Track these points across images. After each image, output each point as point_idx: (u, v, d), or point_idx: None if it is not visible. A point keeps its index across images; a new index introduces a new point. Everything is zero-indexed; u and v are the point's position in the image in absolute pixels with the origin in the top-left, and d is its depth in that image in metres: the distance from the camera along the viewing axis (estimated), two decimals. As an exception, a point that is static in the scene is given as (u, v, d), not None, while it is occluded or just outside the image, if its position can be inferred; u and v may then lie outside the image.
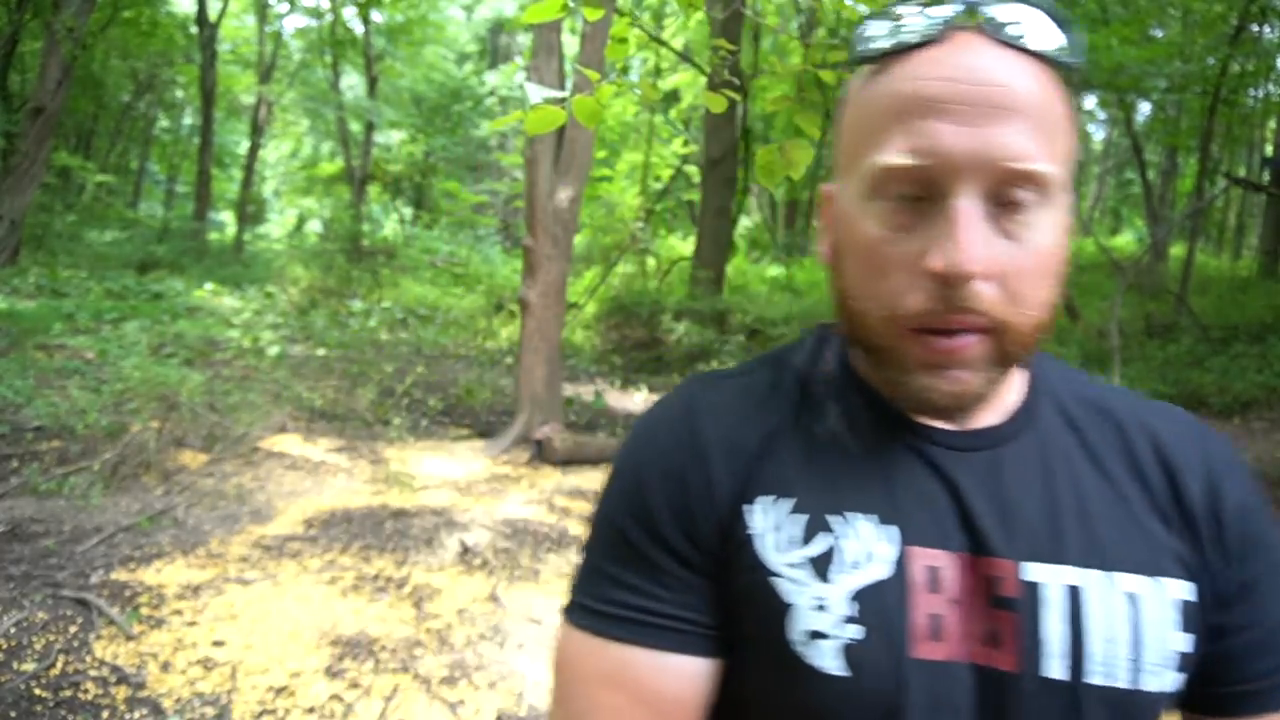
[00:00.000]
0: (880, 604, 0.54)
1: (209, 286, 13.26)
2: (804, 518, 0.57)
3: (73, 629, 2.92)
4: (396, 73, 22.43)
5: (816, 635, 0.54)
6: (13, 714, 2.41)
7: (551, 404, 6.41)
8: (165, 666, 2.73)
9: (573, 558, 4.12)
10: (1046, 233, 0.55)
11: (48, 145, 12.23)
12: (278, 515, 4.37)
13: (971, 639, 0.55)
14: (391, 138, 25.22)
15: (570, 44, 14.69)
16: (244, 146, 24.54)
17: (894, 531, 0.56)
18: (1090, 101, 17.20)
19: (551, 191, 6.39)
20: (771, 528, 0.57)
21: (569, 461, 5.96)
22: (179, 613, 3.12)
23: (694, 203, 18.17)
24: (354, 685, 2.72)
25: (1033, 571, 0.55)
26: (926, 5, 0.55)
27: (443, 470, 5.52)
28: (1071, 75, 0.57)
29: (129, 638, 2.89)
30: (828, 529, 0.56)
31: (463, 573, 3.80)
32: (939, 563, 0.55)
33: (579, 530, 4.57)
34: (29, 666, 2.65)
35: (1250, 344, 9.27)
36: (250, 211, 22.52)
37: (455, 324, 13.20)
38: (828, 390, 0.62)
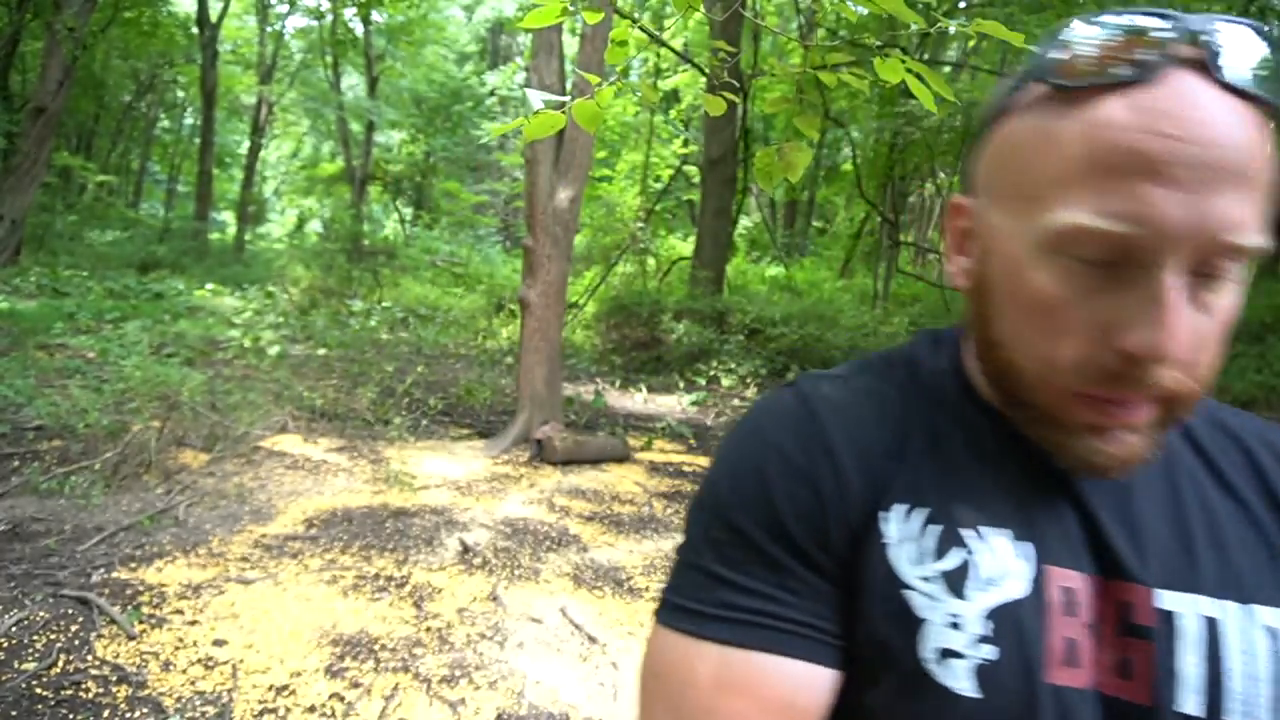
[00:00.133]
0: (1016, 624, 0.51)
1: (210, 286, 13.28)
2: (938, 529, 0.54)
3: (74, 628, 2.93)
4: (397, 73, 22.45)
5: (949, 654, 0.51)
6: (14, 713, 2.41)
7: (551, 404, 6.42)
8: (166, 665, 2.74)
9: (573, 557, 4.13)
10: (1233, 298, 0.52)
11: (49, 145, 12.25)
12: (278, 515, 4.38)
13: (1101, 668, 0.52)
14: (392, 138, 25.24)
15: (571, 44, 14.70)
16: (245, 146, 24.55)
17: (1029, 549, 0.53)
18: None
19: (551, 191, 6.40)
20: (905, 538, 0.54)
21: (569, 461, 5.96)
22: (180, 612, 3.13)
23: (694, 203, 18.18)
24: (354, 684, 2.72)
25: (1168, 600, 0.52)
26: (1133, 32, 0.47)
27: (443, 470, 5.53)
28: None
29: (130, 637, 2.89)
30: (961, 543, 0.53)
31: (463, 572, 3.80)
32: (1073, 584, 0.53)
33: (579, 529, 4.57)
34: (30, 665, 2.65)
35: (1250, 344, 9.27)
36: (251, 211, 22.53)
37: (455, 324, 13.22)
38: (951, 400, 0.59)
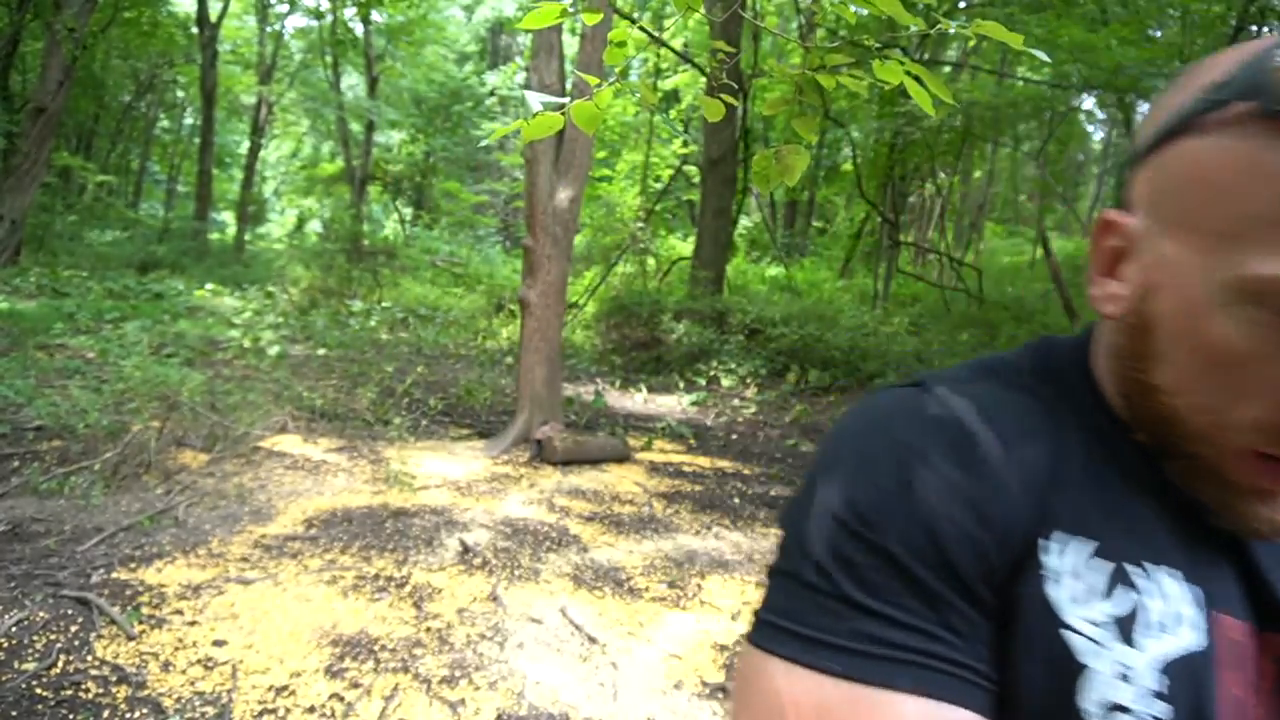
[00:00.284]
0: (1193, 680, 0.46)
1: (209, 286, 13.28)
2: (1107, 566, 0.48)
3: (73, 628, 2.93)
4: (397, 73, 22.46)
5: (1118, 709, 0.46)
6: (14, 713, 2.41)
7: (551, 404, 6.42)
8: (166, 666, 2.74)
9: (573, 557, 4.13)
10: None
11: (48, 145, 12.25)
12: (278, 515, 4.38)
13: None
14: (392, 138, 25.24)
15: (571, 44, 14.69)
16: (244, 147, 24.56)
17: (1199, 593, 0.48)
18: (1089, 102, 17.20)
19: (551, 191, 6.40)
20: (1068, 571, 0.48)
21: (569, 461, 5.96)
22: (180, 612, 3.13)
23: (694, 203, 18.18)
24: (354, 685, 2.72)
25: None
26: None
27: (443, 470, 5.53)
28: None
29: (130, 637, 2.89)
30: (1129, 582, 0.48)
31: (463, 573, 3.80)
32: (1240, 636, 0.48)
33: (579, 530, 4.57)
34: (30, 666, 2.66)
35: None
36: (251, 212, 22.54)
37: (455, 324, 13.22)
38: (1098, 423, 0.54)
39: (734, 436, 8.22)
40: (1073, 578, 0.48)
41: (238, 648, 2.89)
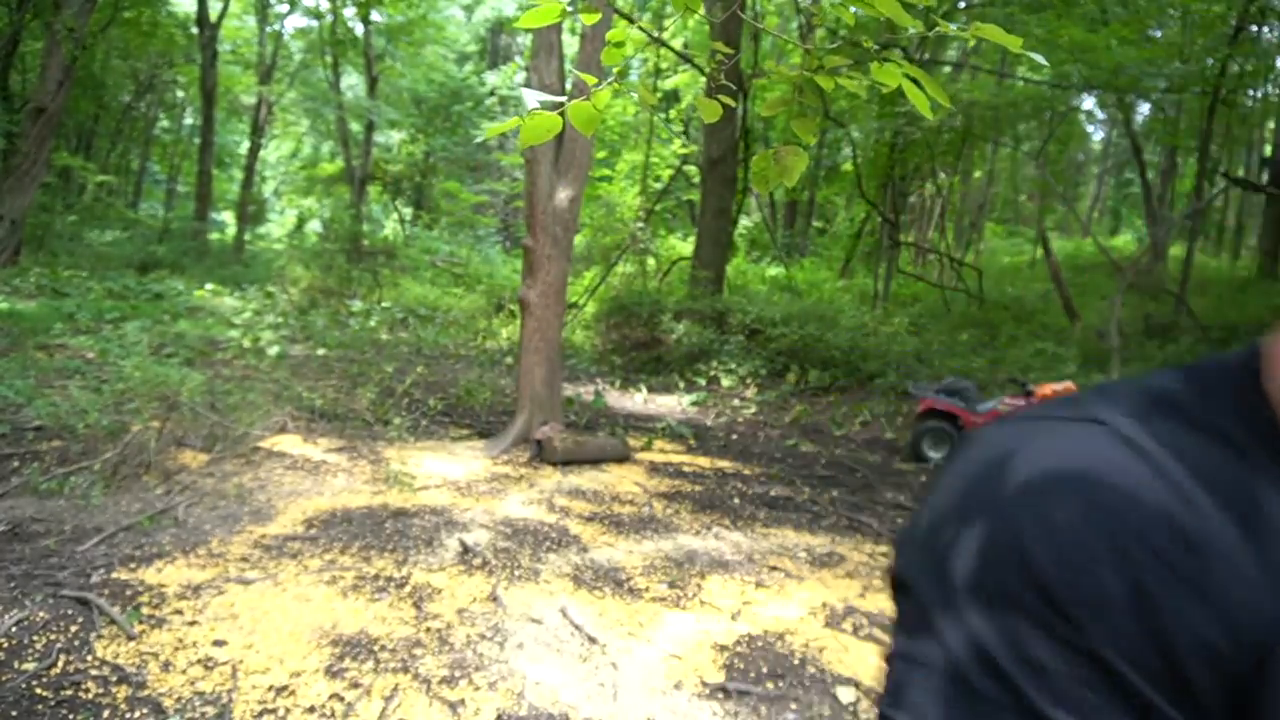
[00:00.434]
0: None
1: (209, 286, 13.28)
2: None
3: (73, 628, 2.93)
4: (397, 73, 22.46)
5: None
6: (14, 713, 2.41)
7: (551, 404, 6.42)
8: (166, 666, 2.74)
9: (573, 557, 4.13)
10: None
11: (48, 145, 12.25)
12: (278, 515, 4.38)
13: None
14: (391, 138, 25.24)
15: (571, 43, 14.68)
16: (244, 147, 24.56)
17: None
18: (1089, 102, 17.20)
19: (551, 191, 6.40)
20: None
21: (569, 461, 5.96)
22: (180, 612, 3.13)
23: (694, 203, 18.18)
24: (354, 685, 2.72)
25: None
26: None
27: (443, 470, 5.53)
28: None
29: (130, 637, 2.89)
30: None
31: (463, 573, 3.80)
32: None
33: (579, 530, 4.58)
34: (30, 666, 2.66)
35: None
36: (250, 212, 22.53)
37: (455, 324, 13.22)
38: None
39: (734, 436, 8.22)
40: None
41: (238, 648, 2.89)
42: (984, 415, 7.51)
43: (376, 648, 2.99)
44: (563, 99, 1.49)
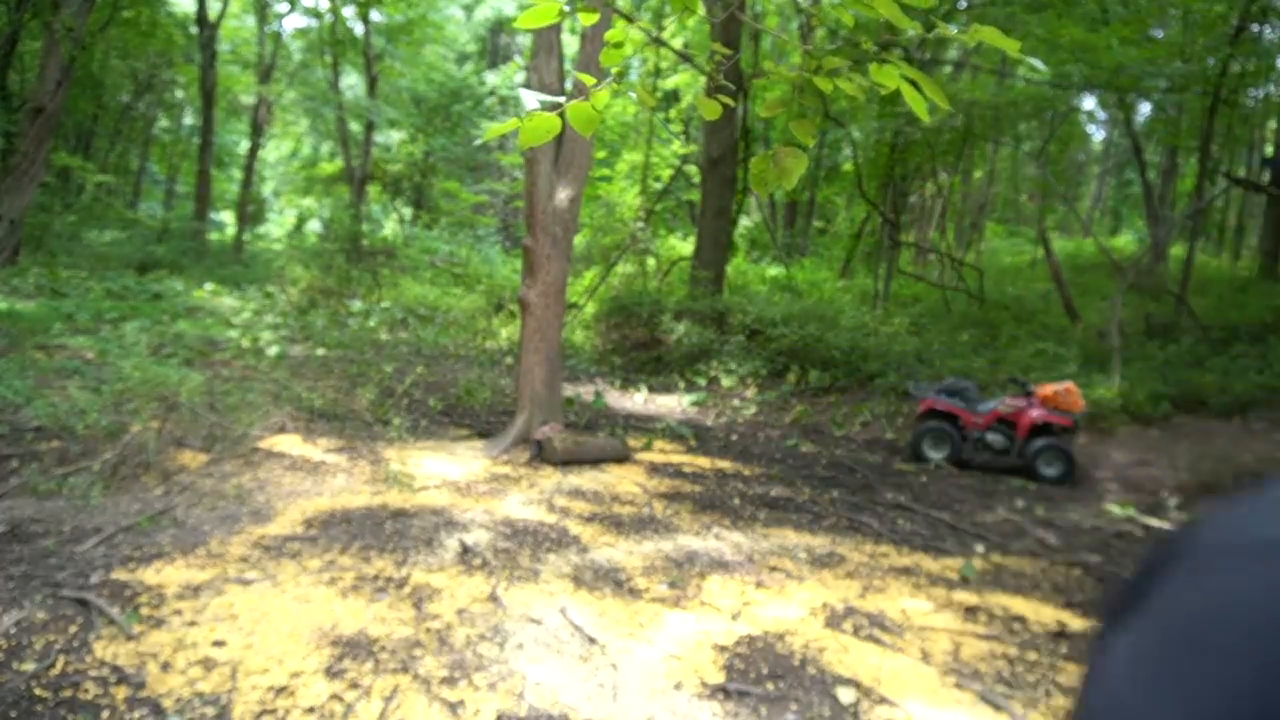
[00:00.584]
0: None
1: (209, 286, 13.28)
2: None
3: (73, 629, 2.92)
4: (396, 73, 22.45)
5: None
6: (13, 714, 2.41)
7: (551, 404, 6.42)
8: (165, 666, 2.74)
9: (573, 557, 4.12)
10: None
11: (47, 145, 12.24)
12: (277, 515, 4.38)
13: None
14: (391, 138, 25.24)
15: (571, 43, 14.68)
16: (244, 146, 24.56)
17: None
18: (1090, 102, 17.20)
19: (551, 192, 6.40)
20: None
21: (569, 461, 5.96)
22: (179, 613, 3.12)
23: (694, 203, 18.17)
24: (354, 685, 2.72)
25: None
26: None
27: (443, 470, 5.52)
28: None
29: (129, 638, 2.89)
30: None
31: (463, 573, 3.80)
32: None
33: (579, 530, 4.57)
34: (29, 666, 2.65)
35: (1250, 344, 9.27)
36: (250, 211, 22.54)
37: (455, 324, 13.21)
38: None
39: (734, 437, 8.22)
40: None
41: (237, 648, 2.89)
42: (984, 415, 7.50)
43: (376, 648, 2.99)
44: (562, 99, 1.48)
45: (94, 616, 3.01)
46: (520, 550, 4.15)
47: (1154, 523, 6.00)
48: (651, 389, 10.39)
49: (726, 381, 10.51)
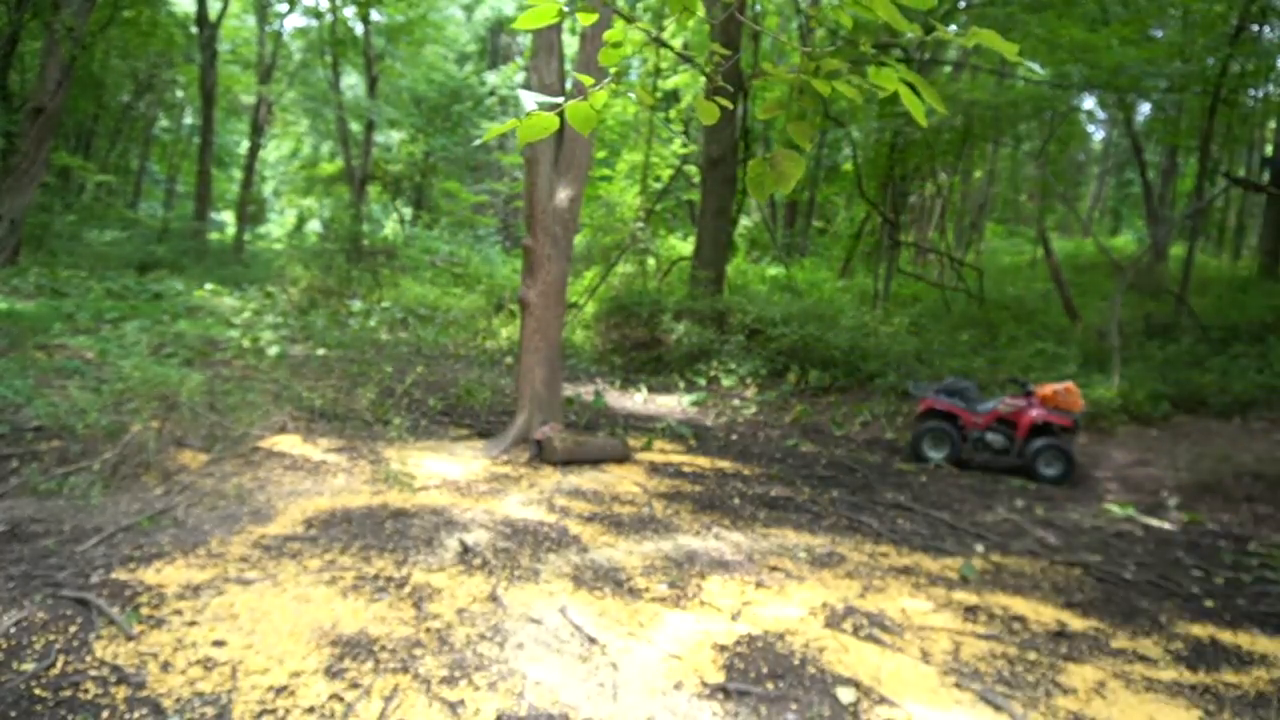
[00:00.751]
0: None
1: (209, 286, 13.28)
2: None
3: (73, 629, 2.93)
4: (396, 73, 22.45)
5: None
6: (13, 714, 2.41)
7: (551, 404, 6.42)
8: (165, 666, 2.74)
9: (573, 557, 4.12)
10: None
11: (48, 145, 12.24)
12: (278, 515, 4.38)
13: None
14: (391, 138, 25.24)
15: (571, 43, 14.68)
16: (244, 146, 24.56)
17: None
18: (1090, 102, 17.20)
19: (551, 192, 6.40)
20: None
21: (569, 461, 5.96)
22: (179, 612, 3.13)
23: (694, 203, 18.17)
24: (354, 685, 2.72)
25: None
26: None
27: (443, 470, 5.52)
28: None
29: (129, 637, 2.89)
30: None
31: (463, 573, 3.80)
32: None
33: (579, 530, 4.57)
34: (29, 666, 2.65)
35: (1250, 344, 9.28)
36: (250, 211, 22.54)
37: (455, 324, 13.22)
38: None
39: (734, 436, 8.22)
40: None
41: (237, 648, 2.89)
42: (984, 415, 7.51)
43: (376, 648, 2.99)
44: (560, 99, 1.49)
45: (94, 616, 3.02)
46: (520, 550, 4.15)
47: (1154, 523, 6.00)
48: (651, 389, 10.39)
49: (726, 381, 10.52)
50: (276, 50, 21.99)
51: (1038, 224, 15.79)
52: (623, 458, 6.26)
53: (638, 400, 9.82)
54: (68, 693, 2.54)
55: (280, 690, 2.65)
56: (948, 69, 15.44)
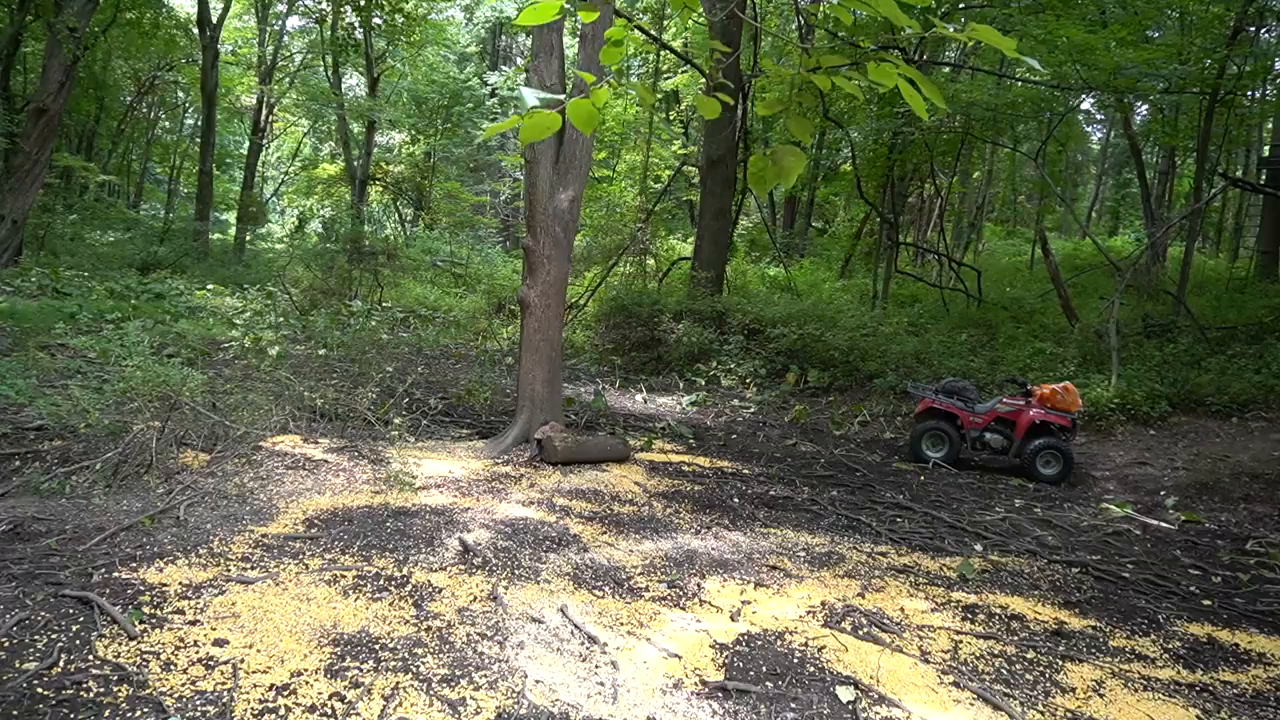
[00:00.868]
0: None
1: (210, 287, 13.30)
2: None
3: (75, 628, 2.94)
4: (397, 74, 22.47)
5: None
6: (15, 712, 2.42)
7: (551, 404, 6.43)
8: (167, 665, 2.75)
9: (573, 557, 4.14)
10: None
11: (50, 146, 12.27)
12: (279, 515, 4.39)
13: None
14: (392, 139, 25.27)
15: (572, 45, 14.69)
16: (245, 147, 24.58)
17: None
18: (1088, 102, 17.21)
19: (552, 192, 6.41)
20: None
21: (569, 461, 5.97)
22: (180, 611, 3.14)
23: (694, 203, 18.19)
24: (355, 684, 2.74)
25: None
26: None
27: (443, 470, 5.54)
28: None
29: (131, 637, 2.91)
30: None
31: (463, 572, 3.81)
32: None
33: (579, 530, 4.59)
34: (31, 665, 2.67)
35: (1248, 344, 9.29)
36: (252, 212, 22.55)
37: (455, 324, 13.23)
38: None
39: (734, 436, 8.24)
40: None
41: (239, 647, 2.90)
42: (983, 415, 7.52)
43: (377, 647, 3.00)
44: (562, 98, 1.50)
45: (96, 615, 3.03)
46: (520, 550, 4.17)
47: (1151, 522, 6.01)
48: (651, 389, 10.40)
49: (726, 381, 10.53)
50: (277, 51, 22.01)
51: (1036, 224, 15.80)
52: (623, 458, 6.27)
53: (638, 400, 9.83)
54: (70, 691, 2.55)
55: (281, 689, 2.67)
56: (946, 70, 15.45)
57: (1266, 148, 17.22)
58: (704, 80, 13.33)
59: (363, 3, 15.61)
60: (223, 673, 2.73)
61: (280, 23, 22.22)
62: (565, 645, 3.17)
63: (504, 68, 26.09)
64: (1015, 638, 3.60)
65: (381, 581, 3.61)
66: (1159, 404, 8.11)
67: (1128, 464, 7.47)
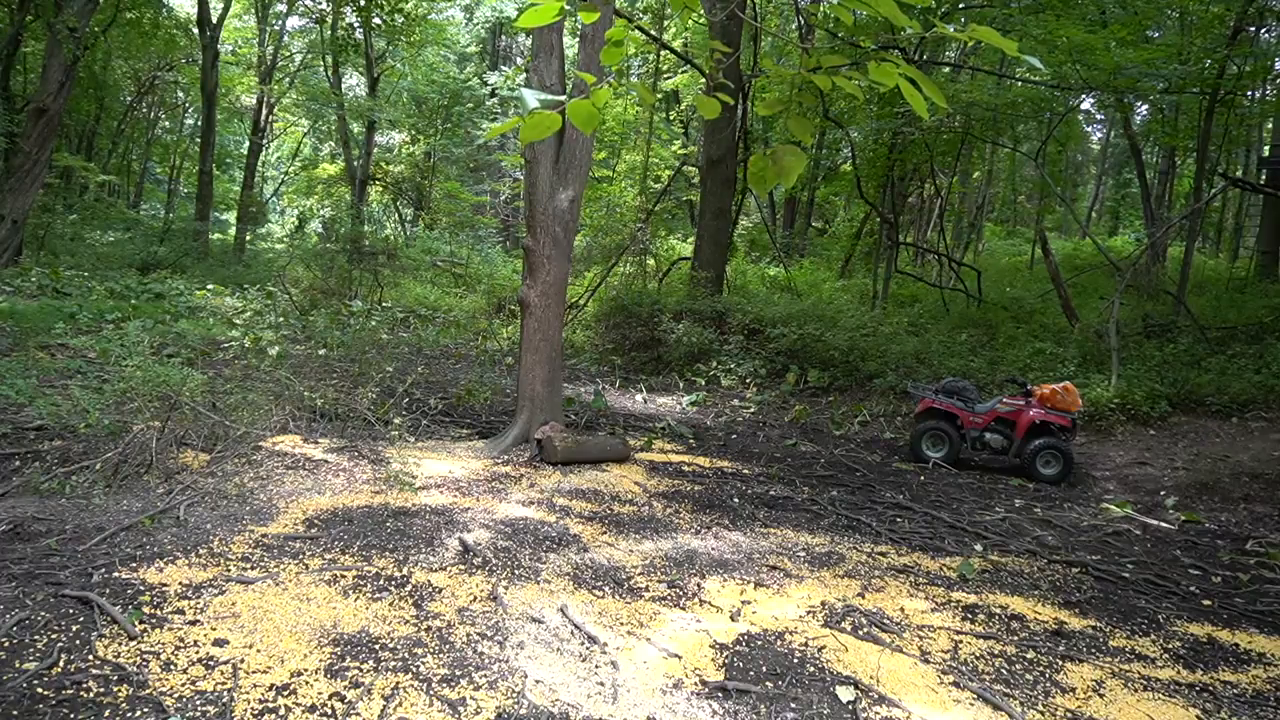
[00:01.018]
0: None
1: (210, 287, 13.30)
2: None
3: (75, 628, 2.94)
4: (397, 74, 22.47)
5: None
6: (15, 713, 2.42)
7: (551, 404, 6.44)
8: (167, 665, 2.75)
9: (573, 557, 4.14)
10: None
11: (50, 146, 12.27)
12: (279, 515, 4.39)
13: None
14: (392, 139, 25.28)
15: (572, 45, 14.70)
16: (245, 147, 24.58)
17: None
18: (1088, 102, 17.21)
19: (552, 192, 6.41)
20: None
21: (569, 461, 5.97)
22: (181, 612, 3.14)
23: (694, 203, 18.19)
24: (355, 684, 2.74)
25: None
26: None
27: (443, 470, 5.54)
28: None
29: (131, 637, 2.91)
30: None
31: (463, 572, 3.82)
32: None
33: (579, 529, 4.59)
34: (31, 665, 2.67)
35: (1248, 344, 9.29)
36: (252, 212, 22.55)
37: (456, 324, 13.23)
38: None
39: (734, 436, 8.24)
40: None
41: (239, 647, 2.90)
42: (983, 415, 7.52)
43: (377, 647, 3.00)
44: (562, 98, 1.50)
45: (96, 615, 3.03)
46: (520, 550, 4.17)
47: (1151, 522, 6.01)
48: (651, 389, 10.40)
49: (726, 381, 10.53)
50: (277, 51, 22.01)
51: (1036, 224, 15.80)
52: (623, 457, 6.27)
53: (638, 400, 9.83)
54: (70, 691, 2.55)
55: (281, 689, 2.67)
56: (946, 70, 15.45)
57: (1266, 148, 17.22)
58: (704, 80, 13.33)
59: (363, 3, 15.60)
60: (223, 673, 2.73)
61: (280, 23, 22.21)
62: (565, 645, 3.17)
63: (504, 68, 26.08)
64: (1015, 638, 3.60)
65: (381, 581, 3.61)
66: (1159, 404, 8.11)
67: (1128, 464, 7.48)
